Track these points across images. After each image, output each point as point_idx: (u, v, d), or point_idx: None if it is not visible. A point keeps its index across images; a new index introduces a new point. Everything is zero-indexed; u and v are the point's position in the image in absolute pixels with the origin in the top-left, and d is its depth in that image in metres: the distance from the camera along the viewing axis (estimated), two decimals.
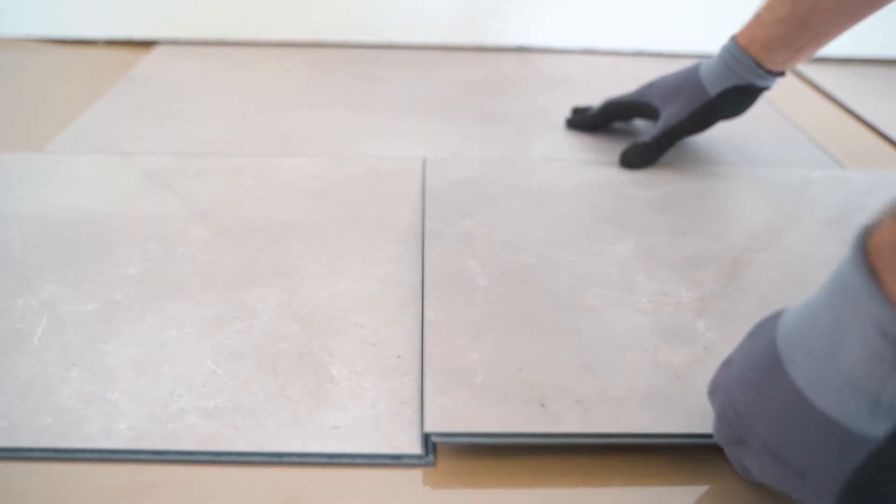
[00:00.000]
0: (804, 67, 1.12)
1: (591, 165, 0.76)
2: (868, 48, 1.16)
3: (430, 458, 0.42)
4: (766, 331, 0.37)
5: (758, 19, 0.68)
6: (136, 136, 0.81)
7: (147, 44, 1.13)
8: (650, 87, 0.78)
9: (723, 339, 0.51)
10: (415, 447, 0.43)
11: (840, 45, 1.13)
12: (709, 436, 0.42)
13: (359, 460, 0.42)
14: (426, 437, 0.43)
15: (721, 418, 0.39)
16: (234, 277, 0.57)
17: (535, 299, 0.55)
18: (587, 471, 0.42)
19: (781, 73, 0.70)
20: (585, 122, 0.84)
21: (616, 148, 0.80)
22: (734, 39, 0.70)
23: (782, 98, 0.99)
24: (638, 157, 0.76)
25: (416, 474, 0.42)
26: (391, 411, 0.45)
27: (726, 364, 0.40)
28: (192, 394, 0.46)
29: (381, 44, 1.15)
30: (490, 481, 0.41)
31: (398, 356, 0.50)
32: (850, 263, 0.31)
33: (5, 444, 0.42)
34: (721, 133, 0.86)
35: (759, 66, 0.69)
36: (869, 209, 0.70)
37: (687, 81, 0.74)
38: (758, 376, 0.36)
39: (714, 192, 0.72)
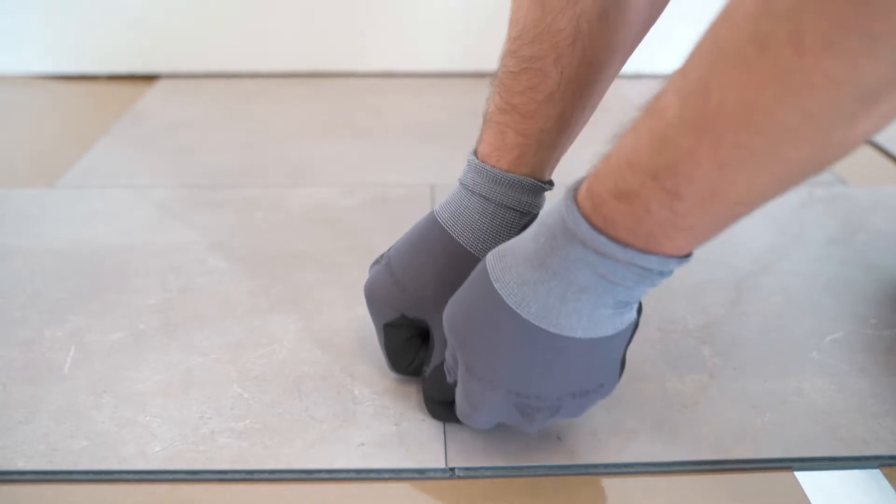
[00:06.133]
0: None
1: None
2: None
3: (454, 471, 0.44)
4: (479, 280, 0.40)
5: (510, 118, 0.48)
6: (146, 170, 0.83)
7: (149, 78, 1.15)
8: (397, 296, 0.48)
9: (728, 365, 0.54)
10: (438, 461, 0.45)
11: None
12: (714, 462, 0.45)
13: (385, 475, 0.44)
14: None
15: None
16: (253, 305, 0.59)
17: None
18: (600, 489, 0.44)
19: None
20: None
21: None
22: (485, 165, 0.48)
23: None
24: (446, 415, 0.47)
25: (441, 486, 0.44)
26: (413, 428, 0.47)
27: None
28: (222, 416, 0.48)
29: (382, 72, 1.17)
30: (511, 493, 0.44)
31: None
32: (564, 207, 0.38)
33: (45, 468, 0.44)
34: None
35: (538, 180, 0.47)
36: (871, 227, 0.72)
37: (454, 266, 0.46)
38: (481, 315, 0.39)
39: None
